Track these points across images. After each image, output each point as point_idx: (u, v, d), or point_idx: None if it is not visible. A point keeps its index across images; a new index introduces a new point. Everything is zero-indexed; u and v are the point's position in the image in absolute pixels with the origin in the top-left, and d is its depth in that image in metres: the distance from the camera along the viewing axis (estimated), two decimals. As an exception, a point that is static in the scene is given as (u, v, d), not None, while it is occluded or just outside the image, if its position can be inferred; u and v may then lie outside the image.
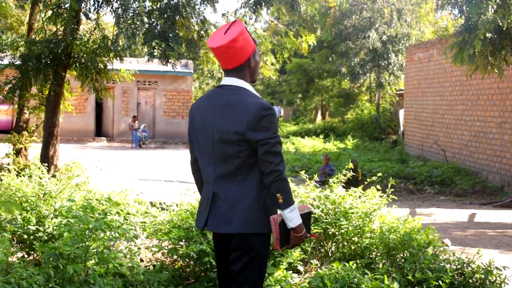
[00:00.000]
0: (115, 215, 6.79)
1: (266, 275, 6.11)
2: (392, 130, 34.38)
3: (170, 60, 12.60)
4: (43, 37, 14.47)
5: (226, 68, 4.32)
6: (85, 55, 13.85)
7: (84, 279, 5.39)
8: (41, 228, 6.55)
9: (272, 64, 17.02)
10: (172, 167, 21.66)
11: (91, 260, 5.63)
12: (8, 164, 14.98)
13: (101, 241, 5.74)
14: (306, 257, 7.03)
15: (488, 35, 12.42)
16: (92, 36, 14.09)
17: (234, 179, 4.22)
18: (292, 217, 4.16)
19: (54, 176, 10.95)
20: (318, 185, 7.92)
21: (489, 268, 6.67)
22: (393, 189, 7.72)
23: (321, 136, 35.79)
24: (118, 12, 12.29)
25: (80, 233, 5.54)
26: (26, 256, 6.70)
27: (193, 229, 6.51)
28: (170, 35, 12.43)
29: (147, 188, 12.16)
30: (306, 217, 4.37)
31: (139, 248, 6.87)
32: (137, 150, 30.44)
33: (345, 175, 7.72)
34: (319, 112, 49.29)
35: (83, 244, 5.55)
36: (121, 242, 6.77)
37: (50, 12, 13.34)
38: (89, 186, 8.55)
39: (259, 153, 4.13)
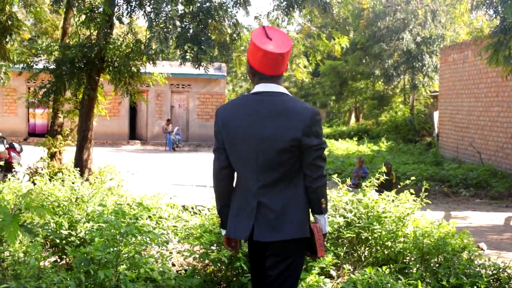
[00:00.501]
0: (146, 219, 6.79)
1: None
2: (426, 132, 34.09)
3: (202, 64, 12.60)
4: (77, 41, 14.56)
5: (269, 74, 4.22)
6: (118, 59, 13.90)
7: (115, 284, 5.39)
8: (73, 233, 6.56)
9: (305, 66, 16.93)
10: (206, 170, 21.68)
11: (122, 265, 5.62)
12: (42, 168, 15.12)
13: (132, 246, 5.74)
14: (339, 261, 6.96)
15: (524, 36, 12.27)
16: (125, 40, 14.14)
17: (279, 186, 4.19)
18: (326, 223, 4.25)
19: (87, 180, 11.02)
20: (350, 189, 7.85)
21: (525, 274, 6.55)
22: (427, 193, 7.61)
23: (355, 139, 35.61)
24: (151, 16, 12.31)
25: (111, 238, 5.55)
26: (58, 260, 6.72)
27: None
28: (203, 38, 12.44)
29: (180, 192, 12.18)
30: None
31: (170, 253, 6.86)
32: (170, 153, 30.57)
33: (377, 179, 7.64)
34: (353, 114, 49.09)
35: (114, 249, 5.55)
36: (153, 247, 6.76)
37: (83, 17, 13.43)
38: (121, 190, 8.55)
39: (309, 158, 4.13)
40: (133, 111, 34.91)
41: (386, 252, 7.04)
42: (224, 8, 13.25)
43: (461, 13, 34.63)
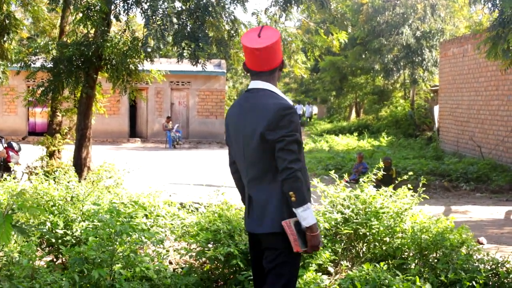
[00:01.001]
0: (143, 218, 6.75)
1: (295, 277, 6.04)
2: (427, 127, 34.01)
3: (200, 60, 12.57)
4: (74, 39, 14.52)
5: (256, 70, 4.35)
6: (115, 57, 13.86)
7: (110, 284, 5.35)
8: (69, 232, 6.54)
9: (303, 62, 16.88)
10: (206, 167, 21.66)
11: (117, 264, 5.59)
12: (40, 167, 15.09)
13: (127, 244, 5.70)
14: (337, 258, 6.92)
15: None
16: (122, 38, 14.10)
17: (263, 181, 4.28)
18: (306, 216, 4.13)
19: (85, 178, 10.98)
20: (348, 185, 7.81)
21: (524, 268, 6.50)
22: (424, 188, 7.58)
23: (355, 134, 35.56)
24: (148, 13, 12.28)
25: (106, 237, 5.51)
26: (55, 259, 6.70)
27: (221, 231, 6.47)
28: (200, 35, 12.41)
29: (179, 190, 12.14)
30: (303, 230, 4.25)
31: (167, 251, 6.82)
32: (171, 150, 30.53)
33: (375, 174, 7.60)
34: (353, 110, 49.04)
35: (109, 248, 5.51)
36: (149, 245, 6.74)
37: (80, 15, 13.39)
38: (119, 189, 8.52)
39: (276, 151, 4.14)
40: (133, 109, 34.89)
41: (384, 248, 7.01)
42: (222, 4, 13.21)
43: (460, 6, 34.55)
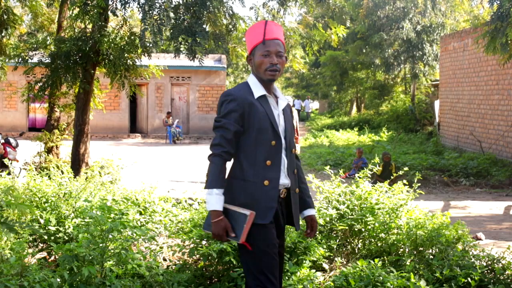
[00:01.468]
0: (136, 214, 6.71)
1: (289, 274, 5.99)
2: (427, 122, 33.95)
3: (197, 55, 12.52)
4: (72, 35, 14.45)
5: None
6: (113, 52, 13.79)
7: (101, 281, 5.30)
8: (61, 229, 6.49)
9: (302, 57, 16.82)
10: (206, 163, 21.61)
11: (109, 261, 5.54)
12: (39, 163, 15.05)
13: (118, 241, 5.65)
14: (332, 254, 6.88)
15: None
16: (119, 33, 14.04)
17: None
18: (209, 200, 4.21)
19: (79, 175, 10.93)
20: (343, 180, 7.76)
21: (521, 264, 6.45)
22: (419, 184, 7.52)
23: (356, 129, 35.51)
24: (145, 8, 12.22)
25: (97, 234, 5.46)
26: (48, 257, 6.65)
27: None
28: (197, 30, 12.34)
29: (178, 186, 12.10)
30: (241, 219, 4.20)
31: (161, 248, 6.78)
32: (171, 146, 30.49)
33: (371, 170, 7.55)
34: (354, 105, 48.98)
35: (100, 245, 5.46)
36: (141, 242, 6.69)
37: (77, 10, 13.32)
38: (114, 185, 8.48)
39: None
40: (133, 104, 34.84)
41: (379, 244, 6.97)
42: (219, -1, 13.14)
43: (461, 0, 34.48)
